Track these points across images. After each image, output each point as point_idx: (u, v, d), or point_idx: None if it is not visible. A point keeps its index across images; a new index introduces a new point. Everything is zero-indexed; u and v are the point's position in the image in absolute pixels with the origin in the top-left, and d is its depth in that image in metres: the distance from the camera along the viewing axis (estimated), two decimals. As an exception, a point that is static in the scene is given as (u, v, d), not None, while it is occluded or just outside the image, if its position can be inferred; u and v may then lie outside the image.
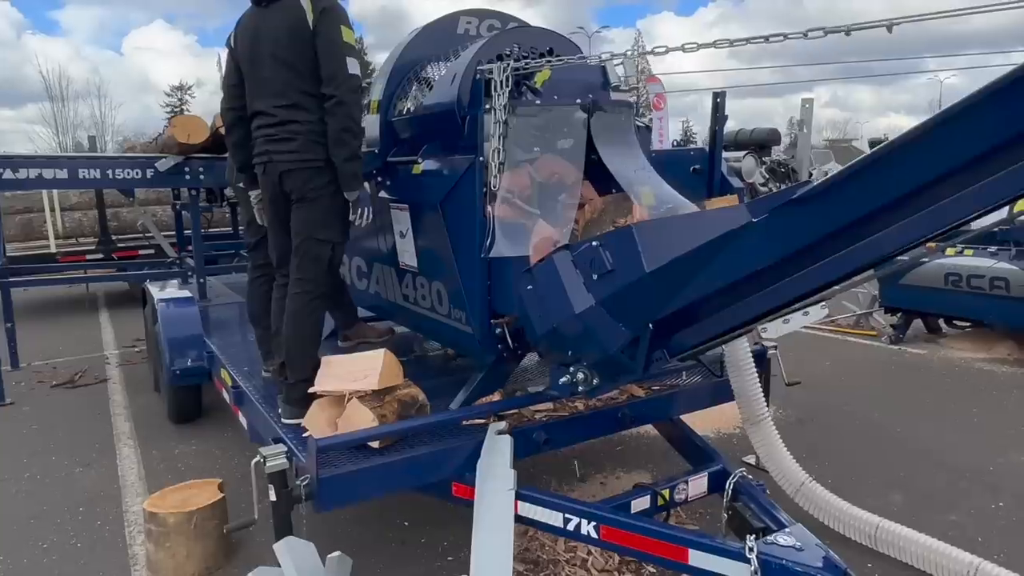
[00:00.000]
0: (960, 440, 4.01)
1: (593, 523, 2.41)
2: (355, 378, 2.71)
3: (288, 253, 2.95)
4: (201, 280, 5.99)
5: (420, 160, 3.05)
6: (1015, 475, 3.61)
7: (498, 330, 2.87)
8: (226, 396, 3.97)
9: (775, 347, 3.49)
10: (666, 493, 2.66)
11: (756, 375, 3.21)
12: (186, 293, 5.01)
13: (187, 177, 6.12)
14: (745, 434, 3.33)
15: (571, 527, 2.47)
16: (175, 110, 38.71)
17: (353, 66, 2.74)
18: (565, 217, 2.70)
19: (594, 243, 2.26)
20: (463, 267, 2.86)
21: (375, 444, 2.57)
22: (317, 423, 2.73)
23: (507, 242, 2.73)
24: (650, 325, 2.30)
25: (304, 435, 2.71)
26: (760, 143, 10.36)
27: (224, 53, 3.09)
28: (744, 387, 3.21)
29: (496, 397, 2.97)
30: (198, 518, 2.93)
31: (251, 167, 2.99)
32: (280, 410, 2.93)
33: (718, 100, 3.08)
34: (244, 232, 3.68)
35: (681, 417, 3.29)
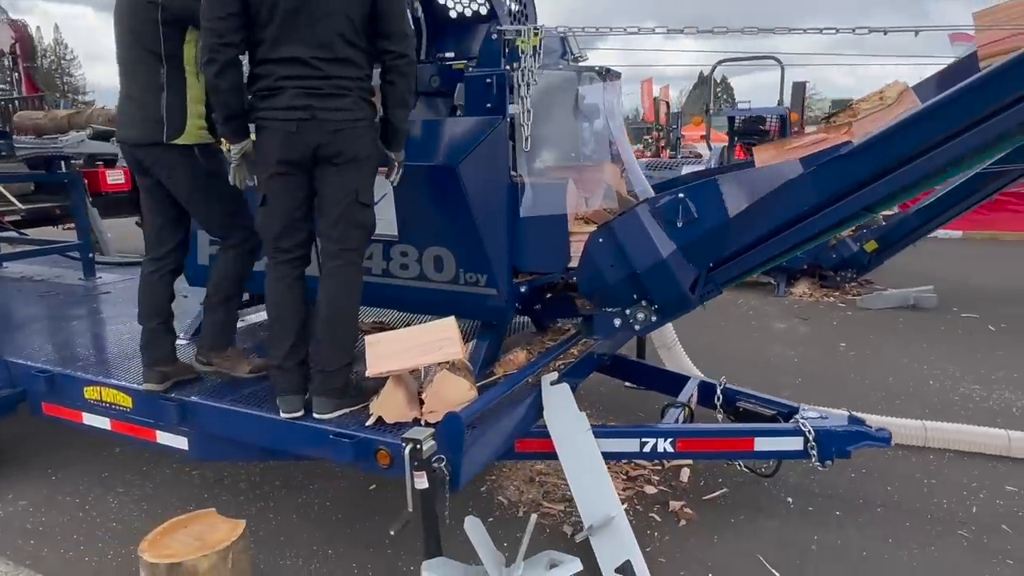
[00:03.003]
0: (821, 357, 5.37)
1: (669, 439, 2.79)
2: (428, 351, 2.54)
3: (292, 226, 2.53)
4: None
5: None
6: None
7: (522, 288, 2.96)
8: (96, 423, 3.08)
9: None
10: (691, 405, 3.18)
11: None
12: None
13: None
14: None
15: (647, 448, 2.81)
16: None
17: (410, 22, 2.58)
18: (603, 173, 2.93)
19: (680, 195, 2.60)
20: (487, 229, 2.85)
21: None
22: (393, 406, 2.48)
23: (543, 201, 2.84)
24: (710, 264, 2.76)
25: (367, 422, 2.44)
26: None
27: None
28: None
29: (521, 355, 3.06)
30: (233, 554, 2.36)
31: (243, 116, 2.46)
32: (315, 406, 2.52)
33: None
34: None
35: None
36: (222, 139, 2.64)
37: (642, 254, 2.66)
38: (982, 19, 2.86)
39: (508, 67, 2.81)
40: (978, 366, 5.00)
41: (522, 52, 2.78)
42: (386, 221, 3.02)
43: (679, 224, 2.64)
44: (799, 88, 10.01)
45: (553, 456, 2.77)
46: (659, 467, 3.41)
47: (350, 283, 2.53)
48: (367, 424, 2.49)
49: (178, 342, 3.53)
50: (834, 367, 5.05)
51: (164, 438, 2.94)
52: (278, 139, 2.41)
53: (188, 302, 3.70)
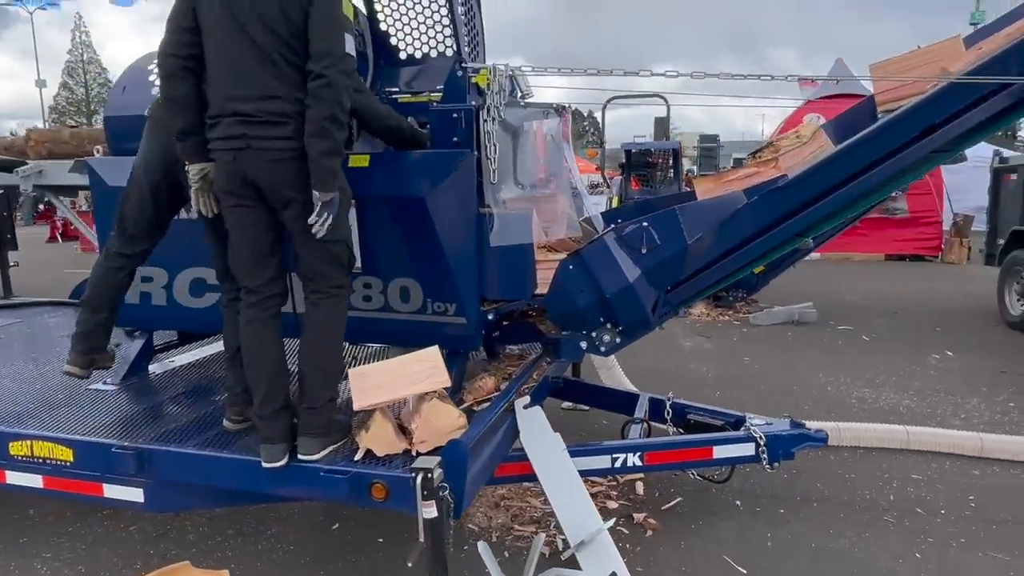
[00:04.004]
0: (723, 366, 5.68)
1: (638, 454, 2.96)
2: (415, 381, 2.54)
3: (257, 262, 2.43)
4: None
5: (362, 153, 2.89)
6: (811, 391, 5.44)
7: (490, 316, 3.04)
8: (24, 481, 2.80)
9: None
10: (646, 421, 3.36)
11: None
12: None
13: None
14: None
15: (619, 464, 2.95)
16: None
17: (349, 44, 2.47)
18: (561, 204, 3.08)
19: (644, 223, 2.81)
20: (456, 259, 2.91)
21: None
22: (383, 439, 2.46)
23: (510, 231, 2.95)
24: (668, 287, 2.97)
25: (355, 458, 2.40)
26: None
27: None
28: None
29: (489, 381, 3.12)
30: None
31: (198, 134, 2.38)
32: (301, 447, 2.42)
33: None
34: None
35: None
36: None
37: (610, 279, 2.82)
38: (877, 71, 3.32)
39: (473, 102, 2.91)
40: (863, 372, 5.62)
41: (488, 89, 2.90)
42: (348, 254, 3.02)
43: (643, 251, 2.83)
44: (661, 122, 10.90)
45: (531, 478, 2.85)
46: (614, 483, 3.57)
47: (330, 316, 2.46)
48: (356, 459, 2.45)
49: (105, 387, 3.31)
50: (745, 379, 5.48)
51: (114, 491, 2.72)
52: (222, 170, 2.35)
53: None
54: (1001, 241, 7.55)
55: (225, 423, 2.73)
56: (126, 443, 2.66)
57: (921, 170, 3.07)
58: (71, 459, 2.72)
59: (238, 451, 2.55)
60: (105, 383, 3.33)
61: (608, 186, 10.52)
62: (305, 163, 2.28)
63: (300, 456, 2.43)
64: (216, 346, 4.03)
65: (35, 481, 2.82)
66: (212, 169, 2.42)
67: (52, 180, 6.38)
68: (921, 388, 5.19)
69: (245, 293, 2.48)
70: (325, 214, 2.30)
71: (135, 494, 2.69)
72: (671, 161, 8.59)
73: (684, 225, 2.83)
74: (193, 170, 2.44)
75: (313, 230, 2.30)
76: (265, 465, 2.40)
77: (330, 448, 2.47)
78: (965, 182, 12.31)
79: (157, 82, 3.29)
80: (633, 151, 8.99)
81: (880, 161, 2.90)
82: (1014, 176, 7.52)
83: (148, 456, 2.61)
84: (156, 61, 3.35)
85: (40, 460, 2.76)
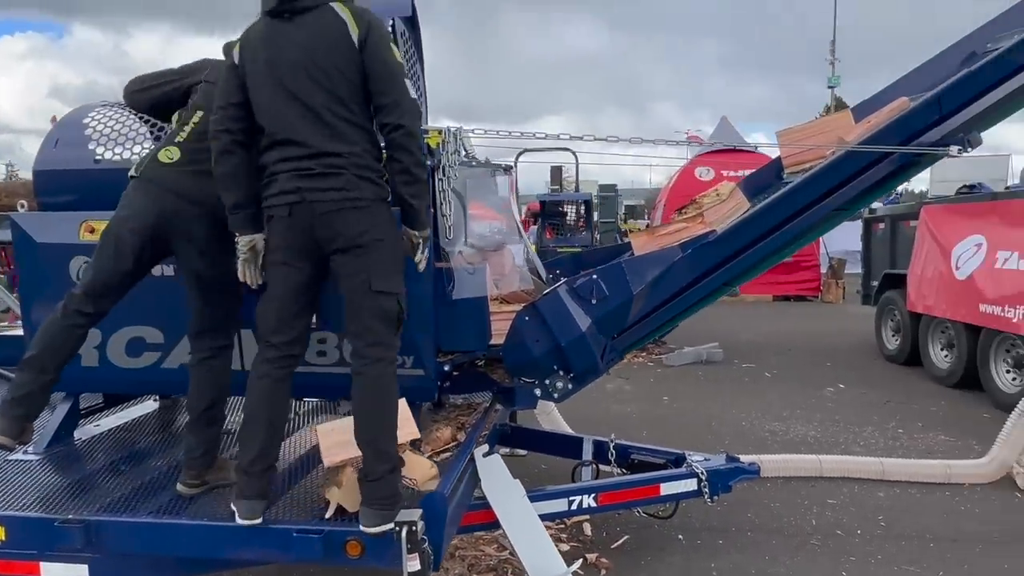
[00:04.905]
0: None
1: (592, 495, 3.10)
2: (384, 435, 2.57)
3: (285, 320, 2.41)
4: None
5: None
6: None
7: (446, 367, 3.13)
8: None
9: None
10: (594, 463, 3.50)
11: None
12: None
13: None
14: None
15: (574, 506, 3.08)
16: None
17: (412, 89, 2.50)
18: (511, 258, 3.24)
19: (594, 276, 3.01)
20: (414, 313, 2.98)
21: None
22: (355, 495, 2.44)
23: (466, 285, 3.07)
24: (614, 334, 3.18)
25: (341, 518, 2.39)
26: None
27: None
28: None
29: (446, 431, 3.17)
30: None
31: (250, 207, 2.38)
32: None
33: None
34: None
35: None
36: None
37: (564, 329, 2.99)
38: (783, 137, 3.76)
39: (428, 162, 3.04)
40: (770, 406, 6.07)
41: (441, 150, 3.04)
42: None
43: (593, 301, 3.03)
44: (556, 170, 11.52)
45: (493, 526, 2.92)
46: (562, 525, 3.68)
47: (380, 383, 2.36)
48: (328, 516, 2.43)
49: (28, 456, 3.09)
50: (667, 417, 5.78)
51: (53, 570, 2.54)
52: (276, 227, 2.35)
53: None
54: (875, 283, 8.43)
55: (179, 487, 2.62)
56: (71, 516, 2.50)
57: (828, 225, 3.49)
58: (2, 538, 2.52)
59: (198, 516, 2.47)
60: (27, 452, 3.11)
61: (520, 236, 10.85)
62: (359, 212, 2.31)
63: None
64: (144, 407, 3.86)
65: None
66: (260, 241, 2.41)
67: None
68: (823, 419, 5.68)
69: (265, 347, 2.43)
70: (426, 249, 2.50)
71: (79, 571, 2.52)
72: (583, 211, 9.04)
73: (629, 277, 3.06)
74: (242, 242, 2.41)
75: (420, 266, 2.52)
76: (241, 521, 2.31)
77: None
78: (836, 228, 13.63)
79: (94, 137, 3.24)
80: (547, 202, 9.38)
81: (794, 217, 3.28)
82: (882, 225, 8.46)
83: (97, 528, 2.46)
84: (93, 115, 3.30)
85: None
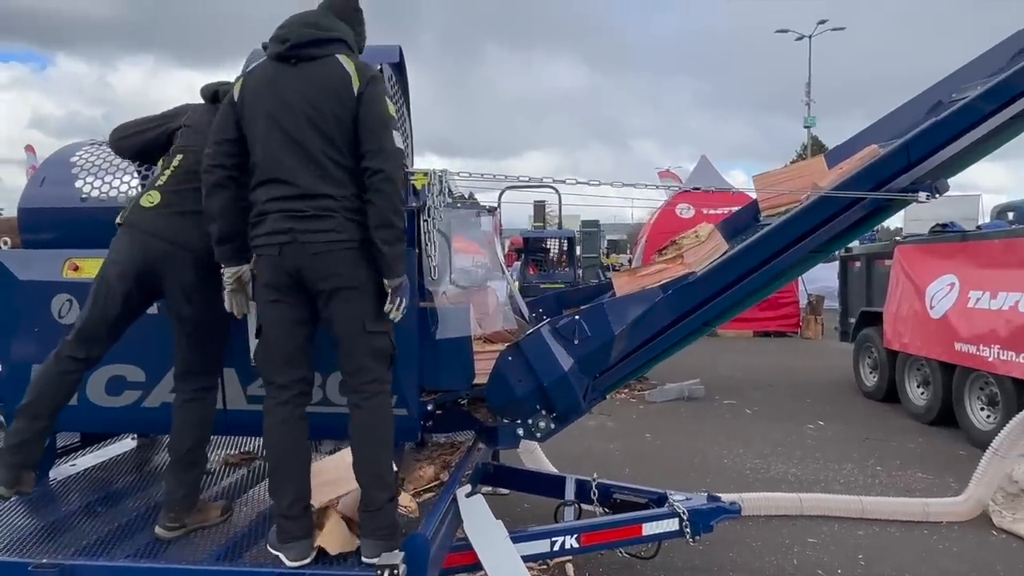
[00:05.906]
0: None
1: (575, 536, 3.09)
2: (366, 475, 2.57)
3: (288, 360, 2.43)
4: None
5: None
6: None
7: (429, 406, 3.13)
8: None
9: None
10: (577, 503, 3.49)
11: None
12: None
13: None
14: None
15: (556, 547, 3.07)
16: None
17: (398, 140, 2.53)
18: (494, 298, 3.28)
19: (576, 317, 3.05)
20: (399, 352, 3.00)
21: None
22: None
23: (450, 324, 3.10)
24: (596, 374, 3.21)
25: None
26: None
27: None
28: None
29: (428, 470, 3.17)
30: None
31: (236, 239, 2.41)
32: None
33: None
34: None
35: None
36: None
37: (547, 369, 3.02)
38: (759, 181, 3.87)
39: (413, 203, 3.09)
40: (751, 443, 6.10)
41: (427, 191, 3.09)
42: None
43: (576, 341, 3.07)
44: (539, 206, 11.66)
45: (476, 568, 2.90)
46: (545, 566, 3.66)
47: (379, 413, 2.42)
48: (307, 561, 2.41)
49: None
50: (650, 455, 5.79)
51: (26, 619, 2.48)
52: (265, 265, 2.37)
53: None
54: (852, 320, 8.57)
55: (158, 530, 2.59)
56: (44, 560, 2.46)
57: (804, 267, 3.57)
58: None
59: (177, 559, 2.44)
60: (-1, 493, 3.05)
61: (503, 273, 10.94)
62: (350, 253, 2.35)
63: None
64: (121, 446, 3.81)
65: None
66: (246, 271, 2.46)
67: None
68: (803, 457, 5.72)
69: (274, 390, 2.43)
70: (398, 299, 2.41)
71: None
72: (566, 248, 9.14)
73: (611, 317, 3.10)
74: (228, 273, 2.44)
75: (391, 316, 2.42)
76: (291, 564, 2.30)
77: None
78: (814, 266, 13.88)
79: (80, 175, 3.26)
80: (530, 238, 9.47)
81: (771, 259, 3.36)
82: (858, 263, 8.64)
83: (72, 572, 2.41)
84: (80, 154, 3.33)
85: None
